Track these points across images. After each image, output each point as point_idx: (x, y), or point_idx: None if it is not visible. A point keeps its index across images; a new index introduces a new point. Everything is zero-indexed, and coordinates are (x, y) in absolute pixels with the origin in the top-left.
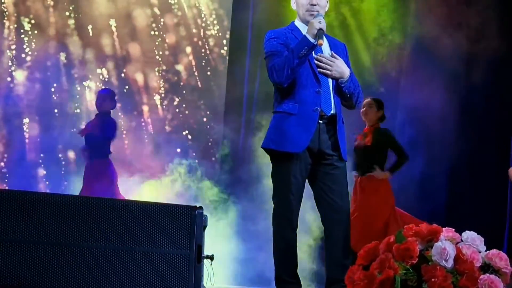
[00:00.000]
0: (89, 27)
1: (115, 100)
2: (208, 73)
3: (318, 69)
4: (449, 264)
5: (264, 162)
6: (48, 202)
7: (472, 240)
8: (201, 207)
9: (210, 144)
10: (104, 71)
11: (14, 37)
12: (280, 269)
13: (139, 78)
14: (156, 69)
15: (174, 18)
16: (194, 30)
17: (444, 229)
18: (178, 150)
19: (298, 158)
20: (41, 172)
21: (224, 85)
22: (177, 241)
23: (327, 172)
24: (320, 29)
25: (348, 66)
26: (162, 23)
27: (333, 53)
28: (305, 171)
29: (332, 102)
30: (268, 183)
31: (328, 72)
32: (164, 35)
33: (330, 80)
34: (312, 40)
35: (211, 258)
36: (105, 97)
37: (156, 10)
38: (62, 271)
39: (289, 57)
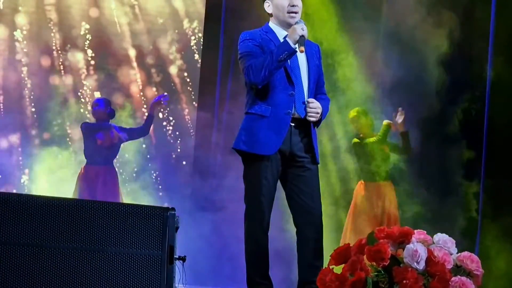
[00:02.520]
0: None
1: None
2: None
3: (308, 117)
4: (421, 266)
5: None
6: (19, 202)
7: (444, 243)
8: (173, 208)
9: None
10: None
11: None
12: (251, 270)
13: (119, 99)
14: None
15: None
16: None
17: (416, 231)
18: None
19: (269, 160)
20: None
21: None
22: (149, 242)
23: (298, 174)
24: (302, 35)
25: (320, 67)
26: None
27: (309, 99)
28: (276, 172)
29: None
30: None
31: (316, 117)
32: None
33: (305, 84)
34: (293, 46)
35: (183, 259)
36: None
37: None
38: (32, 273)
39: (268, 59)
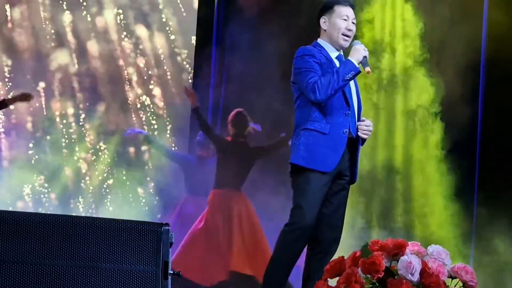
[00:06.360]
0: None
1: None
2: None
3: (362, 135)
4: (415, 277)
5: None
6: (10, 219)
7: (438, 254)
8: (167, 224)
9: None
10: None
11: None
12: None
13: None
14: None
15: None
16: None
17: (409, 243)
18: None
19: (325, 176)
20: None
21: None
22: (143, 258)
23: (337, 191)
24: (365, 56)
25: None
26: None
27: (362, 118)
28: (327, 189)
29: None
30: None
31: (369, 135)
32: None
33: (356, 104)
34: (357, 65)
35: (177, 274)
36: None
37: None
38: None
39: (334, 78)
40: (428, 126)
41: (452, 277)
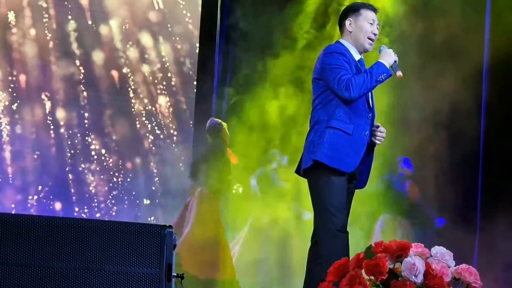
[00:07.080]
0: None
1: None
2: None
3: (376, 141)
4: (419, 279)
5: None
6: (14, 222)
7: (442, 255)
8: (170, 226)
9: None
10: None
11: None
12: None
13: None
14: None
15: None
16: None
17: (413, 244)
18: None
19: (343, 176)
20: None
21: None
22: (146, 260)
23: (348, 193)
24: (395, 61)
25: None
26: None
27: (377, 124)
28: (345, 190)
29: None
30: None
31: (382, 142)
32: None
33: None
34: (388, 68)
35: (181, 277)
36: None
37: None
38: None
39: (368, 77)
40: (430, 137)
41: (455, 279)
